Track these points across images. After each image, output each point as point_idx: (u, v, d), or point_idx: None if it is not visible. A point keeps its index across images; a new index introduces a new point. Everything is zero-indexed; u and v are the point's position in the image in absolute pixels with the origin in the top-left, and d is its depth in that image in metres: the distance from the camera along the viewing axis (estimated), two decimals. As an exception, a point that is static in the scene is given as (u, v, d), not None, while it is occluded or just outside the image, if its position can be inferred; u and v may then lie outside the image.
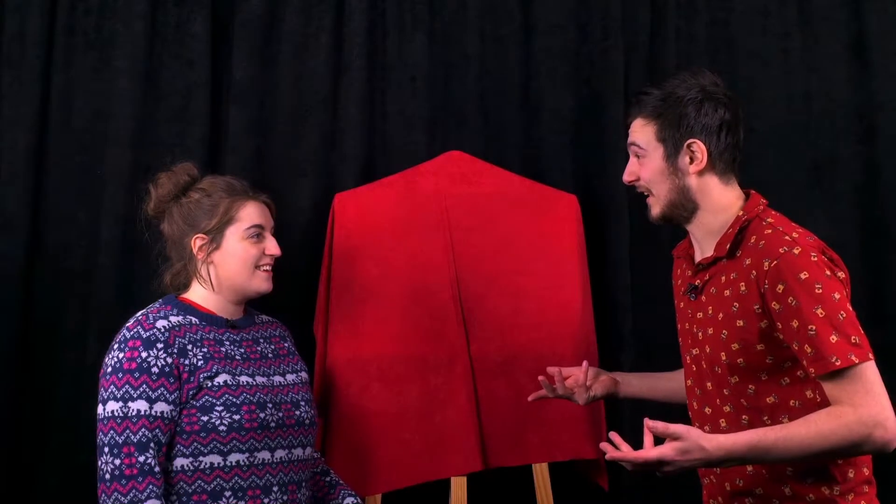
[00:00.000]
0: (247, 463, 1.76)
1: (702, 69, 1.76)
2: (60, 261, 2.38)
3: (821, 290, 1.54)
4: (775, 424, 1.57)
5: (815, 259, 1.57)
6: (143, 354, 1.73)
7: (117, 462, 1.68)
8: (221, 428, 1.74)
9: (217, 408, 1.75)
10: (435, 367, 2.18)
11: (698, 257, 1.77)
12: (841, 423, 1.49)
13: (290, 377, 1.90)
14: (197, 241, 1.87)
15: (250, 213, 1.90)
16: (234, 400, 1.77)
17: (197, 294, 1.89)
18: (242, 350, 1.86)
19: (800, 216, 2.37)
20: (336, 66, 2.45)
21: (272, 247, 1.90)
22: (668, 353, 2.21)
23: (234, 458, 1.75)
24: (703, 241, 1.75)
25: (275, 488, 1.79)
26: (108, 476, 1.68)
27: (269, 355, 1.91)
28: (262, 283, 1.90)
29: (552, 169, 2.45)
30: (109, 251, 2.33)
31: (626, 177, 1.78)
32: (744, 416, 1.66)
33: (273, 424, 1.80)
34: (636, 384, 2.02)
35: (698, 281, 1.74)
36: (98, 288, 2.33)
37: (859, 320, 1.56)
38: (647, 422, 1.50)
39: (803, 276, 1.55)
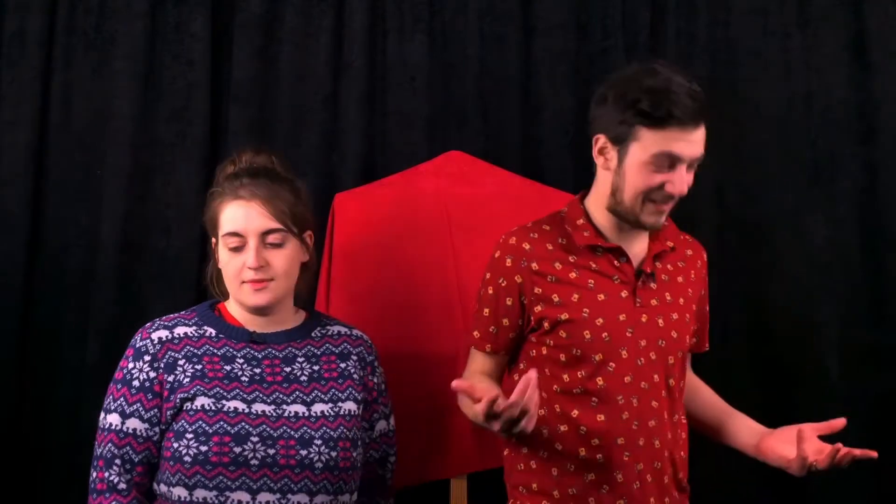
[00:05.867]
0: (216, 503, 1.54)
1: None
2: (60, 261, 2.38)
3: None
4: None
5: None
6: (130, 366, 1.64)
7: (94, 475, 1.63)
8: (186, 459, 1.54)
9: (187, 435, 1.56)
10: (435, 367, 2.17)
11: (640, 249, 1.80)
12: None
13: (318, 407, 1.61)
14: (212, 244, 1.68)
15: (228, 218, 1.62)
16: (207, 428, 1.55)
17: (231, 302, 1.68)
18: (258, 370, 1.61)
19: (800, 216, 2.40)
20: (336, 66, 2.45)
21: (250, 258, 1.59)
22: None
23: (200, 494, 1.54)
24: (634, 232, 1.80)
25: None
26: (90, 487, 1.63)
27: (302, 378, 1.63)
28: (248, 297, 1.62)
29: (552, 169, 2.45)
30: (109, 251, 2.33)
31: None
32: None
33: (255, 462, 1.54)
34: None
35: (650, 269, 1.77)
36: (98, 288, 2.33)
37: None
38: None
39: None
